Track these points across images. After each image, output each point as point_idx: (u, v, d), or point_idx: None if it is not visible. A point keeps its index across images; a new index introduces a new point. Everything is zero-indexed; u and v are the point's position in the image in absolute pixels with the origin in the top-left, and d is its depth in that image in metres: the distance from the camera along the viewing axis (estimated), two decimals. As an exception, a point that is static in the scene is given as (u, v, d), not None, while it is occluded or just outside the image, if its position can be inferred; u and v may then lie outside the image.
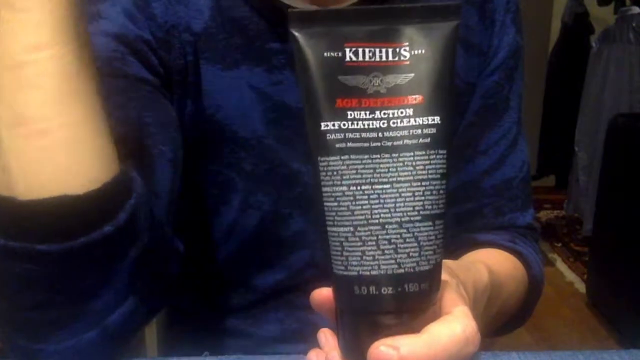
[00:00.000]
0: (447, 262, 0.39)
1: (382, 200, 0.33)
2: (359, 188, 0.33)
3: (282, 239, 0.61)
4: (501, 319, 0.62)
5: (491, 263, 0.50)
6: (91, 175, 0.38)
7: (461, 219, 0.66)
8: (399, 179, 0.33)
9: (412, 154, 0.33)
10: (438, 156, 0.34)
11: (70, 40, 0.37)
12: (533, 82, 2.76)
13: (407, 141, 0.33)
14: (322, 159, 0.33)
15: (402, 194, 0.33)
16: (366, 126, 0.33)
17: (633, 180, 1.97)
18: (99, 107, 0.40)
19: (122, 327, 0.42)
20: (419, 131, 0.33)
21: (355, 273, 0.33)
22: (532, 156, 2.96)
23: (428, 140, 0.33)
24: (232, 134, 0.57)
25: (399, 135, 0.33)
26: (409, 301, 0.34)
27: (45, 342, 0.40)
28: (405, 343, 0.32)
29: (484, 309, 0.46)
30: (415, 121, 0.33)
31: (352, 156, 0.33)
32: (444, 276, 0.37)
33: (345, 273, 0.34)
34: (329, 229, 0.34)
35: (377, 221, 0.33)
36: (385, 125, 0.33)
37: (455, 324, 0.34)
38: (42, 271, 0.38)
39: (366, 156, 0.33)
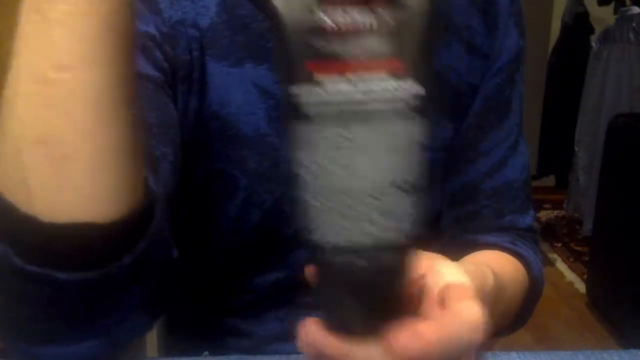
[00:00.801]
0: (455, 264, 0.39)
1: (354, 170, 0.32)
2: (330, 156, 0.32)
3: (283, 237, 0.61)
4: (502, 321, 0.61)
5: (494, 265, 0.50)
6: (114, 205, 0.37)
7: (461, 220, 0.66)
8: (373, 148, 0.32)
9: (388, 122, 0.32)
10: (416, 126, 0.32)
11: (100, 63, 0.35)
12: (533, 82, 2.77)
13: (383, 109, 0.32)
14: (294, 125, 0.32)
15: (376, 164, 0.32)
16: (341, 93, 0.31)
17: (633, 180, 1.97)
18: (130, 134, 0.37)
19: (127, 336, 0.42)
20: (397, 99, 0.32)
21: (327, 243, 0.33)
22: (532, 156, 2.96)
23: (405, 108, 0.32)
24: (235, 131, 0.57)
25: (375, 103, 0.32)
26: (380, 272, 0.33)
27: (46, 347, 0.40)
28: (426, 332, 0.32)
29: (488, 311, 0.46)
30: (393, 89, 0.32)
31: (325, 123, 0.32)
32: (458, 271, 0.37)
33: (318, 242, 0.33)
34: (301, 196, 0.33)
35: (348, 191, 0.32)
36: (362, 92, 0.32)
37: (468, 312, 0.34)
38: (57, 295, 0.37)
39: (340, 123, 0.32)
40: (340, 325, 0.35)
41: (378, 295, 0.33)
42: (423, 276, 0.38)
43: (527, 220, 0.67)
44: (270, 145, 0.57)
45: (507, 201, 0.65)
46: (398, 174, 0.32)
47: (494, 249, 0.63)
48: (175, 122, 0.53)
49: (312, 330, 0.36)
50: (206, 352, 0.66)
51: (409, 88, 0.32)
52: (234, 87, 0.56)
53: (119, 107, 0.36)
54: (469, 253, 0.61)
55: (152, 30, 0.52)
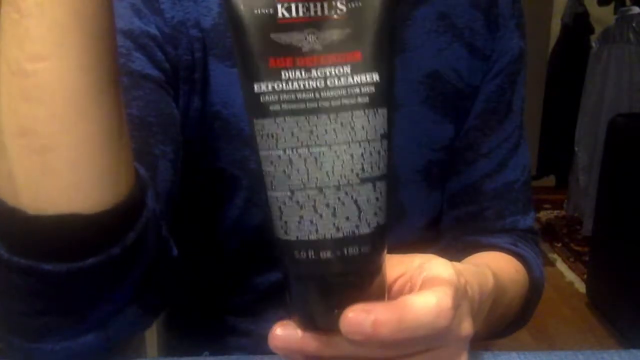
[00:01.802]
0: (455, 264, 0.38)
1: (319, 164, 0.32)
2: (295, 151, 0.32)
3: None
4: (503, 322, 0.61)
5: (495, 267, 0.50)
6: (100, 195, 0.36)
7: (462, 221, 0.66)
8: (337, 140, 0.32)
9: (350, 114, 0.32)
10: (377, 115, 0.32)
11: (74, 53, 0.34)
12: (533, 82, 2.77)
13: (345, 101, 0.32)
14: (257, 121, 0.32)
15: (340, 156, 0.32)
16: (302, 86, 0.32)
17: (633, 180, 1.97)
18: (112, 124, 0.37)
19: (122, 332, 0.42)
20: (357, 90, 0.32)
21: (294, 238, 0.33)
22: (532, 156, 2.96)
23: (367, 99, 0.32)
24: (238, 131, 0.57)
25: (336, 94, 0.32)
26: (349, 265, 0.33)
27: (41, 342, 0.40)
28: (378, 308, 0.32)
29: (488, 312, 0.46)
30: (353, 79, 0.32)
31: (288, 118, 0.32)
32: (448, 270, 0.37)
33: (285, 238, 0.33)
34: (267, 193, 0.33)
35: (314, 185, 0.32)
36: (322, 84, 0.32)
37: (430, 296, 0.34)
38: (45, 287, 0.37)
39: (302, 118, 0.32)
40: (308, 320, 0.34)
41: (345, 288, 0.33)
42: (411, 276, 0.38)
43: (528, 221, 0.67)
44: None
45: (508, 202, 0.65)
46: (362, 166, 0.32)
47: (495, 250, 0.63)
48: (176, 121, 0.53)
49: (281, 330, 0.35)
50: (206, 352, 0.66)
51: (369, 79, 0.32)
52: (237, 87, 0.56)
53: (99, 97, 0.36)
54: (470, 254, 0.60)
55: (153, 30, 0.52)
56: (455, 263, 0.40)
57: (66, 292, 0.38)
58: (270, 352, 0.37)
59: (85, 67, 0.35)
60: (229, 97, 0.56)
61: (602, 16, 2.95)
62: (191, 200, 0.59)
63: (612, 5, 2.82)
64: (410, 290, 0.38)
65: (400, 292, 0.38)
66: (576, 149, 2.82)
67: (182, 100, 0.55)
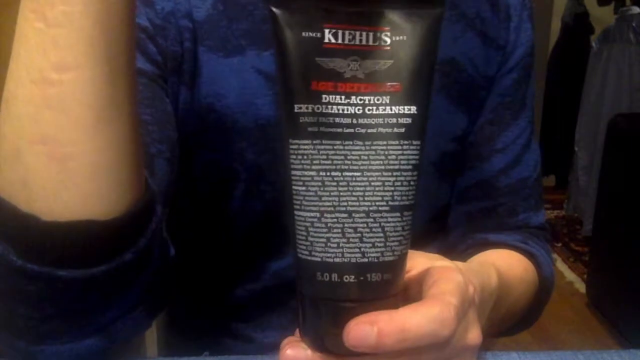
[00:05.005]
0: (456, 263, 0.38)
1: (351, 188, 0.33)
2: (328, 174, 0.32)
3: (286, 228, 0.60)
4: (510, 320, 0.61)
5: (501, 265, 0.50)
6: (115, 202, 0.37)
7: (474, 217, 0.65)
8: (370, 167, 0.33)
9: (385, 143, 0.33)
10: (411, 147, 0.33)
11: (100, 63, 0.35)
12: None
13: (381, 129, 0.33)
14: (293, 141, 0.33)
15: (372, 183, 0.33)
16: (341, 111, 0.32)
17: (633, 180, 1.97)
18: (131, 131, 0.37)
19: (125, 334, 0.42)
20: (394, 120, 0.33)
21: (319, 259, 0.33)
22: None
23: (402, 130, 0.33)
24: (233, 123, 0.56)
25: (373, 122, 0.33)
26: (370, 290, 0.33)
27: (45, 345, 0.40)
28: (382, 319, 0.32)
29: (491, 311, 0.46)
30: (391, 109, 0.33)
31: (324, 141, 0.32)
32: (452, 273, 0.37)
33: (309, 258, 0.33)
34: (295, 212, 0.33)
35: (344, 209, 0.33)
36: (361, 111, 0.33)
37: (433, 305, 0.34)
38: (56, 292, 0.37)
39: (338, 142, 0.32)
40: (320, 341, 0.34)
41: (362, 310, 0.33)
42: (418, 278, 0.38)
43: (540, 218, 0.66)
44: (270, 135, 0.56)
45: (521, 199, 0.65)
46: (392, 194, 0.33)
47: (505, 248, 0.62)
48: (171, 117, 0.53)
49: (291, 350, 0.36)
50: (206, 352, 0.66)
51: (407, 111, 0.33)
52: (232, 77, 0.55)
53: (119, 106, 0.36)
54: (478, 252, 0.60)
55: (144, 22, 0.52)
56: (459, 264, 0.40)
57: (77, 297, 0.38)
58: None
59: (110, 77, 0.35)
60: (222, 89, 0.55)
61: (602, 16, 2.95)
62: (190, 195, 0.59)
63: (612, 5, 2.82)
64: (417, 294, 0.38)
65: (407, 291, 0.38)
66: (576, 149, 2.82)
67: (169, 91, 0.54)
